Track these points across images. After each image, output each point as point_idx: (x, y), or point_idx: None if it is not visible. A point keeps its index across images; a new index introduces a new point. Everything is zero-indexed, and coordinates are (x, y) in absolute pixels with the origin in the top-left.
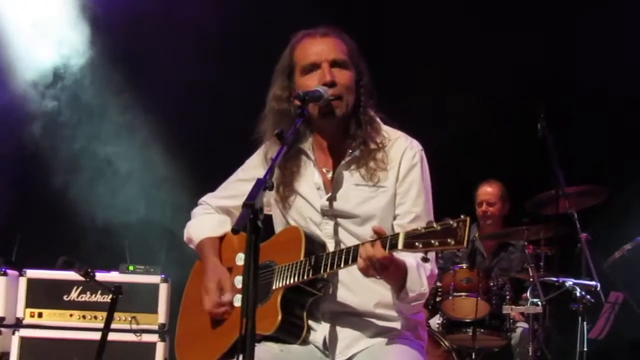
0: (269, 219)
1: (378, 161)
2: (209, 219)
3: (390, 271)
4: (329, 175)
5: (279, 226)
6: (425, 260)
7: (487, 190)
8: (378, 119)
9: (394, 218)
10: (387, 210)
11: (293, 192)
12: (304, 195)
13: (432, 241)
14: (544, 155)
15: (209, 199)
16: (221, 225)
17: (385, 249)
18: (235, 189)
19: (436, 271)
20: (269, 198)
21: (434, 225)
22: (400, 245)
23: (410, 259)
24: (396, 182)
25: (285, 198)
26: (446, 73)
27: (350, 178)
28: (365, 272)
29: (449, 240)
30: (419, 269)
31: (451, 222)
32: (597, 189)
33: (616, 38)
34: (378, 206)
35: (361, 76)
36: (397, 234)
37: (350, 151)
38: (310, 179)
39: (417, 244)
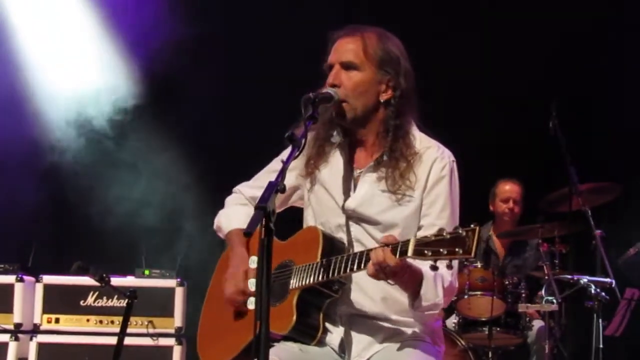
0: (290, 216)
1: (406, 170)
2: (240, 211)
3: (403, 278)
4: (357, 176)
5: (308, 221)
6: (433, 268)
7: (513, 188)
8: (413, 126)
9: (418, 229)
10: (410, 220)
11: (322, 188)
12: (331, 193)
13: (441, 249)
14: (557, 152)
15: (243, 187)
16: None
17: (395, 255)
18: (267, 180)
19: (456, 284)
20: (303, 191)
21: (444, 233)
22: (410, 252)
23: (427, 267)
24: (423, 192)
25: (313, 191)
26: (458, 72)
27: (377, 184)
28: (375, 277)
29: (457, 249)
30: (436, 279)
31: (460, 231)
32: (610, 185)
33: (632, 34)
34: (401, 215)
35: (391, 81)
36: (408, 241)
37: (378, 156)
38: (339, 177)
39: (426, 251)
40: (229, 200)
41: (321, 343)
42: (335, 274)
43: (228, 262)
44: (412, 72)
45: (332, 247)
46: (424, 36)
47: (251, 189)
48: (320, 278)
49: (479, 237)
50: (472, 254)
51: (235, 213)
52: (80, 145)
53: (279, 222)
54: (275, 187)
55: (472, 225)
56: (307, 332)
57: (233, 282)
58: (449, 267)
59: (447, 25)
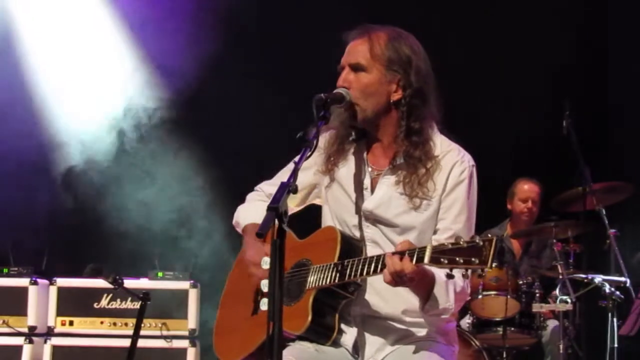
0: (309, 214)
1: (424, 177)
2: (259, 206)
3: (416, 282)
4: (375, 177)
5: (326, 220)
6: (449, 277)
7: (532, 188)
8: (432, 130)
9: (434, 232)
10: (427, 224)
11: (340, 187)
12: (348, 192)
13: (457, 258)
14: (570, 152)
15: (264, 185)
16: None
17: (412, 262)
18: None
19: (468, 290)
20: (320, 189)
21: (461, 242)
22: (426, 260)
23: (440, 272)
24: (441, 196)
25: (331, 188)
26: (473, 71)
27: (395, 186)
28: (391, 284)
29: (473, 259)
30: (448, 284)
31: (477, 241)
32: (623, 184)
33: None
34: (419, 219)
35: (401, 80)
36: (425, 248)
37: (395, 159)
38: (356, 177)
39: (442, 259)
40: (249, 196)
41: (336, 343)
42: (352, 277)
43: (244, 257)
44: (427, 72)
45: (350, 248)
46: (437, 34)
47: (271, 186)
48: (336, 279)
49: (495, 248)
50: (489, 265)
51: (253, 208)
52: (95, 149)
53: (297, 220)
54: (287, 187)
55: (489, 236)
56: (322, 332)
57: (253, 267)
58: (465, 276)
59: (460, 23)
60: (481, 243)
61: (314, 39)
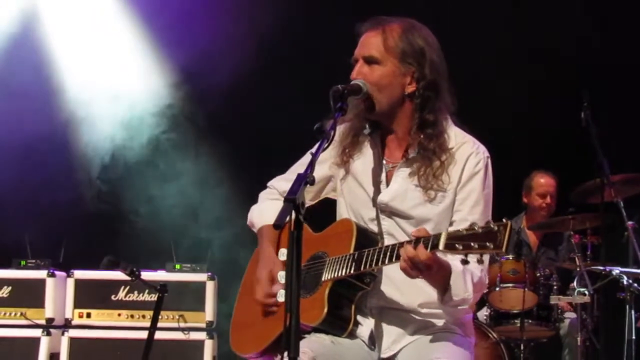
0: (325, 207)
1: (439, 170)
2: (273, 206)
3: (432, 272)
4: (390, 170)
5: (341, 212)
6: (464, 262)
7: (549, 182)
8: (447, 122)
9: (450, 224)
10: (443, 216)
11: (355, 180)
12: (363, 185)
13: (472, 244)
14: (589, 143)
15: (276, 182)
16: None
17: (427, 249)
18: None
19: (486, 280)
20: (336, 182)
21: (476, 227)
22: (441, 246)
23: (457, 262)
24: (456, 187)
25: (346, 181)
26: (489, 62)
27: (410, 178)
28: (407, 273)
29: (488, 244)
30: (465, 274)
31: (492, 226)
32: None
33: None
34: (435, 211)
35: (415, 73)
36: (439, 234)
37: (410, 151)
38: (371, 169)
39: (457, 245)
40: (262, 195)
41: (352, 335)
42: (367, 267)
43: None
44: (440, 63)
45: (366, 239)
46: (452, 25)
47: (285, 182)
48: (352, 270)
49: (510, 232)
50: (503, 249)
51: (267, 208)
52: (113, 143)
53: (313, 213)
54: (305, 179)
55: (503, 220)
56: (338, 324)
57: (261, 287)
58: (480, 261)
59: (475, 14)
60: (496, 228)
61: (330, 29)
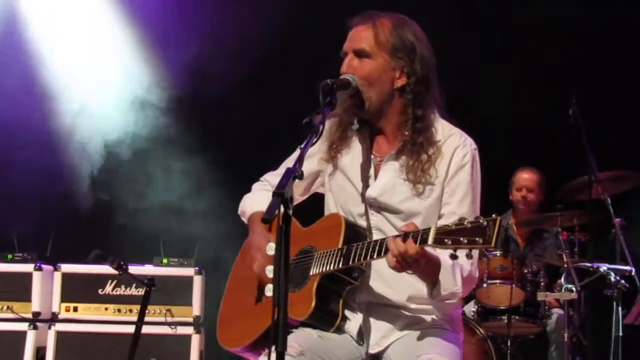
0: (314, 202)
1: (427, 164)
2: (264, 195)
3: (421, 266)
4: (378, 164)
5: (329, 207)
6: (453, 257)
7: (528, 177)
8: (435, 116)
9: (439, 217)
10: (432, 209)
11: (343, 175)
12: (351, 180)
13: (461, 239)
14: (576, 141)
15: (268, 176)
16: None
17: (416, 243)
18: None
19: (476, 274)
20: (324, 177)
21: (465, 222)
22: (430, 241)
23: (446, 256)
24: (444, 181)
25: (334, 176)
26: (475, 55)
27: (398, 173)
28: (396, 267)
29: (477, 239)
30: (454, 268)
31: (481, 221)
32: (630, 173)
33: None
34: (423, 205)
35: (405, 68)
36: (429, 229)
37: (399, 146)
38: (359, 164)
39: (446, 240)
40: (254, 186)
41: (339, 330)
42: (356, 261)
43: (250, 245)
44: (430, 59)
45: (354, 234)
46: (441, 23)
47: (276, 176)
48: (340, 265)
49: (499, 227)
50: (493, 244)
51: (259, 197)
52: (102, 138)
53: (301, 208)
54: (293, 173)
55: (493, 215)
56: (325, 318)
57: (259, 255)
58: (469, 256)
59: (461, 9)
60: (485, 223)
61: (317, 23)
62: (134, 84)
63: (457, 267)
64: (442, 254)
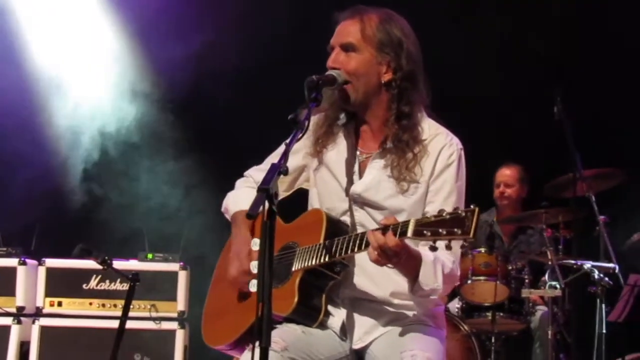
0: (297, 198)
1: (412, 162)
2: (248, 193)
3: (402, 260)
4: (363, 161)
5: (313, 202)
6: (432, 249)
7: (506, 173)
8: (421, 114)
9: (423, 215)
10: (416, 207)
11: (328, 171)
12: (336, 176)
13: (440, 230)
14: (562, 138)
15: (252, 171)
16: None
17: (395, 236)
18: None
19: (458, 272)
20: (309, 172)
21: (443, 214)
22: (409, 233)
23: (428, 252)
24: (429, 179)
25: (319, 171)
26: (461, 54)
27: (384, 170)
28: (377, 261)
29: (456, 230)
30: (436, 265)
31: (460, 212)
32: (614, 171)
33: (635, 21)
34: (407, 202)
35: (392, 63)
36: (408, 222)
37: (384, 142)
38: (344, 160)
39: (425, 232)
40: (238, 183)
41: (323, 326)
42: (337, 255)
43: (231, 247)
44: (417, 56)
45: (336, 229)
46: (428, 19)
47: (261, 172)
48: (322, 259)
49: (478, 217)
50: (471, 235)
51: (242, 195)
52: (86, 132)
53: (285, 204)
54: (278, 169)
55: (471, 206)
56: (308, 313)
57: (237, 264)
58: (448, 247)
59: (450, 9)
60: (463, 214)
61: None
62: (122, 78)
63: (438, 264)
64: (424, 250)
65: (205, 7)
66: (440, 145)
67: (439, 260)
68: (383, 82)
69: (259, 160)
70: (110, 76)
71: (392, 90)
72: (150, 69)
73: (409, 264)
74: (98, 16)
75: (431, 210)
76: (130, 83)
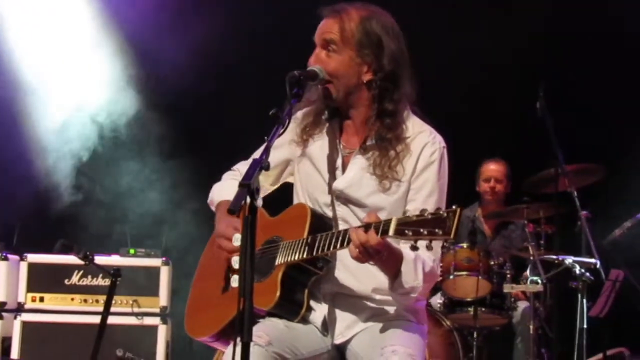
0: (282, 192)
1: (394, 161)
2: (233, 184)
3: (383, 257)
4: (346, 156)
5: (298, 194)
6: (414, 248)
7: (495, 167)
8: (406, 112)
9: (404, 213)
10: (397, 205)
11: (311, 164)
12: (319, 170)
13: (421, 230)
14: (544, 133)
15: (240, 165)
16: None
17: (377, 234)
18: None
19: (438, 271)
20: (294, 165)
21: (425, 214)
22: (391, 232)
23: (409, 250)
24: (411, 177)
25: (302, 163)
26: (445, 50)
27: (366, 167)
28: (358, 258)
29: (437, 230)
30: (417, 263)
31: (442, 212)
32: (596, 167)
33: (616, 18)
34: (389, 200)
35: (372, 64)
36: (390, 220)
37: (366, 140)
38: (327, 155)
39: (407, 231)
40: (225, 175)
41: (305, 320)
42: (320, 251)
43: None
44: (400, 52)
45: (320, 224)
46: (411, 14)
47: (248, 165)
48: (305, 255)
49: (459, 218)
50: (452, 235)
51: (227, 186)
52: (69, 130)
53: (270, 198)
54: (260, 164)
55: (453, 207)
56: (290, 308)
57: (224, 242)
58: (429, 247)
59: (435, 4)
60: (445, 214)
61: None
62: (108, 76)
63: (419, 262)
64: (405, 248)
65: (194, 5)
66: (423, 144)
67: (420, 259)
68: (364, 81)
69: (244, 158)
70: (96, 73)
71: (373, 90)
72: (136, 66)
73: (390, 262)
74: (85, 14)
75: (412, 208)
76: (115, 81)
